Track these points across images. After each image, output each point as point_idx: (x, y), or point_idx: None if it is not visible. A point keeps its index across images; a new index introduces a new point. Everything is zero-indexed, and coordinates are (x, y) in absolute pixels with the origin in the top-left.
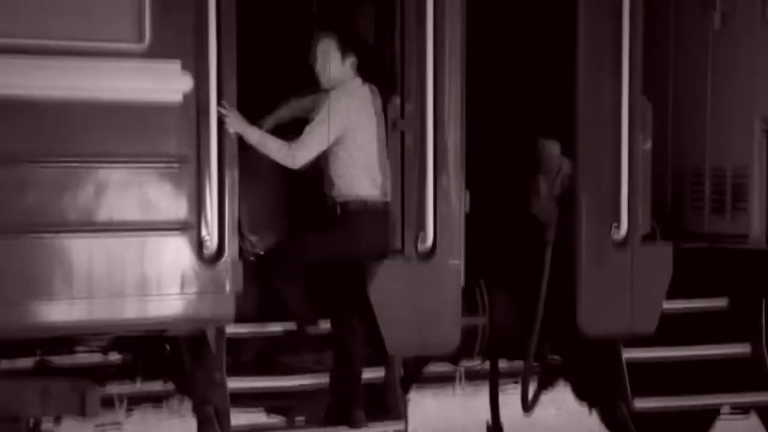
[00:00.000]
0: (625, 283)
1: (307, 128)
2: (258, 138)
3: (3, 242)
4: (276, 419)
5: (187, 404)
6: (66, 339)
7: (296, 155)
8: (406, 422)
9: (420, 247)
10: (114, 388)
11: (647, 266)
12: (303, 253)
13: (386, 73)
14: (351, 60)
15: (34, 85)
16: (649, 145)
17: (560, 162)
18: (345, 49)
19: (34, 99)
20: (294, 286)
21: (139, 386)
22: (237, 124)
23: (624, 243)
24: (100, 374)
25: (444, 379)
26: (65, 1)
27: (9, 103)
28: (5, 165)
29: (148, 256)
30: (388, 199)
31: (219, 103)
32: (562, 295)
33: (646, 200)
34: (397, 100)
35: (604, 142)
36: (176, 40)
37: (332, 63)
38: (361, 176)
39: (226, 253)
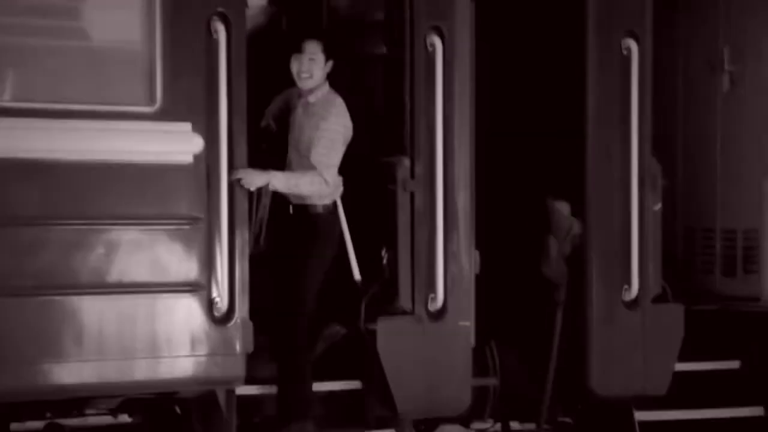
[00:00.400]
0: (636, 344)
1: (322, 145)
2: (285, 182)
3: (14, 302)
4: None
5: None
6: (76, 401)
7: (326, 177)
8: None
9: (430, 308)
10: None
11: (659, 327)
12: (302, 295)
13: (395, 133)
14: (329, 65)
15: (46, 148)
16: (659, 206)
17: (570, 222)
18: (328, 55)
19: (46, 161)
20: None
21: None
22: (257, 179)
23: (635, 304)
24: None
25: None
26: (79, 65)
27: (22, 165)
28: (18, 226)
29: (158, 317)
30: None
31: (230, 171)
32: (573, 355)
33: (656, 261)
34: (407, 161)
35: (614, 203)
36: (187, 102)
37: (317, 66)
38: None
39: (237, 314)
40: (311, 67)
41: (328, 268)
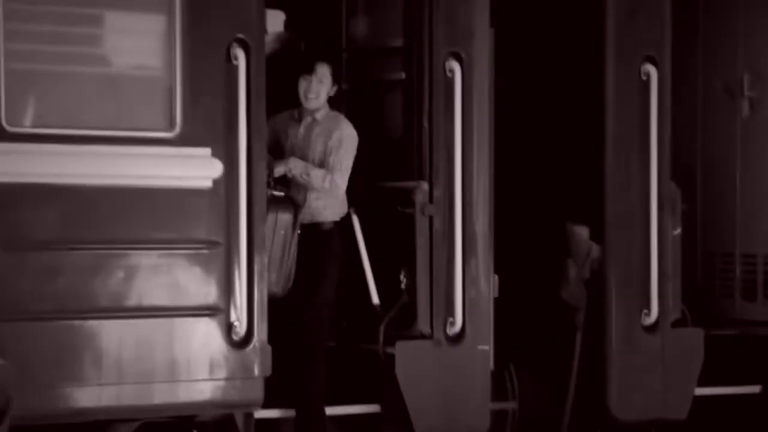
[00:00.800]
0: (656, 368)
1: (338, 151)
2: (302, 168)
3: (34, 327)
4: None
5: None
6: (95, 424)
7: (337, 179)
8: None
9: (449, 332)
10: None
11: (678, 351)
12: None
13: (414, 158)
14: (335, 89)
15: (68, 173)
16: (678, 230)
17: (589, 246)
18: (335, 79)
19: (67, 186)
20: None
21: None
22: (278, 168)
23: (654, 328)
24: None
25: None
26: (100, 92)
27: (44, 190)
28: (38, 251)
29: (177, 341)
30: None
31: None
32: (592, 380)
33: (676, 285)
34: (426, 186)
35: (634, 227)
36: (207, 127)
37: (324, 89)
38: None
39: (255, 337)
40: (319, 88)
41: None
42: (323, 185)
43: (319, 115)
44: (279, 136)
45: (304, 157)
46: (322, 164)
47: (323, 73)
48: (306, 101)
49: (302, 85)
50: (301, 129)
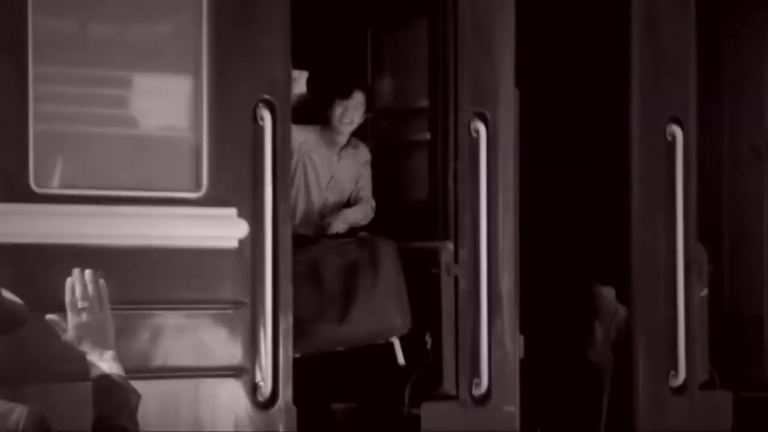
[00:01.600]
0: (683, 430)
1: (366, 178)
2: (353, 216)
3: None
4: None
5: None
6: None
7: (373, 203)
8: None
9: (475, 393)
10: None
11: (706, 414)
12: None
13: (440, 218)
14: (364, 117)
15: (94, 233)
16: (705, 291)
17: (615, 307)
18: (368, 108)
19: (94, 246)
20: None
21: None
22: (337, 226)
23: (682, 390)
24: None
25: None
26: (127, 152)
27: (71, 251)
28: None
29: (202, 401)
30: None
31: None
32: None
33: (703, 347)
34: (451, 246)
35: (660, 288)
36: (232, 187)
37: (358, 116)
38: None
39: (281, 398)
40: (354, 115)
41: None
42: (371, 215)
43: (345, 139)
44: (302, 158)
45: (338, 183)
46: (351, 188)
47: (359, 100)
48: (340, 125)
49: (337, 110)
50: (335, 156)
